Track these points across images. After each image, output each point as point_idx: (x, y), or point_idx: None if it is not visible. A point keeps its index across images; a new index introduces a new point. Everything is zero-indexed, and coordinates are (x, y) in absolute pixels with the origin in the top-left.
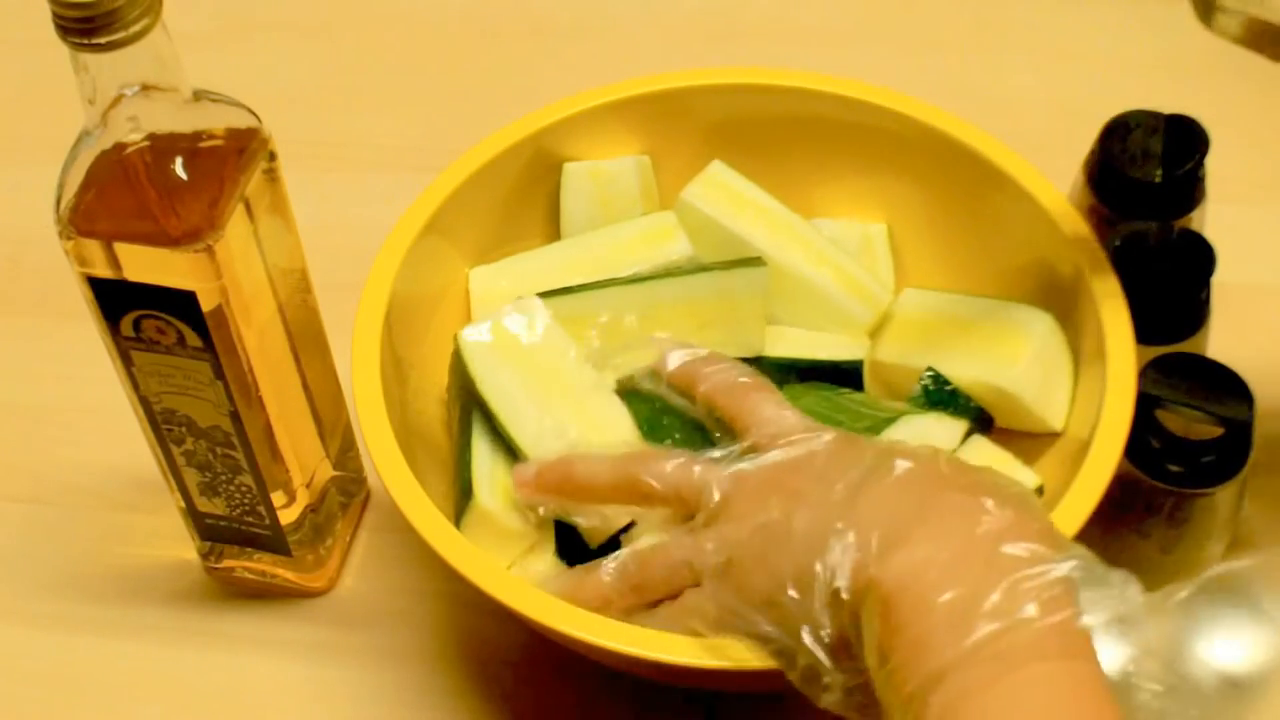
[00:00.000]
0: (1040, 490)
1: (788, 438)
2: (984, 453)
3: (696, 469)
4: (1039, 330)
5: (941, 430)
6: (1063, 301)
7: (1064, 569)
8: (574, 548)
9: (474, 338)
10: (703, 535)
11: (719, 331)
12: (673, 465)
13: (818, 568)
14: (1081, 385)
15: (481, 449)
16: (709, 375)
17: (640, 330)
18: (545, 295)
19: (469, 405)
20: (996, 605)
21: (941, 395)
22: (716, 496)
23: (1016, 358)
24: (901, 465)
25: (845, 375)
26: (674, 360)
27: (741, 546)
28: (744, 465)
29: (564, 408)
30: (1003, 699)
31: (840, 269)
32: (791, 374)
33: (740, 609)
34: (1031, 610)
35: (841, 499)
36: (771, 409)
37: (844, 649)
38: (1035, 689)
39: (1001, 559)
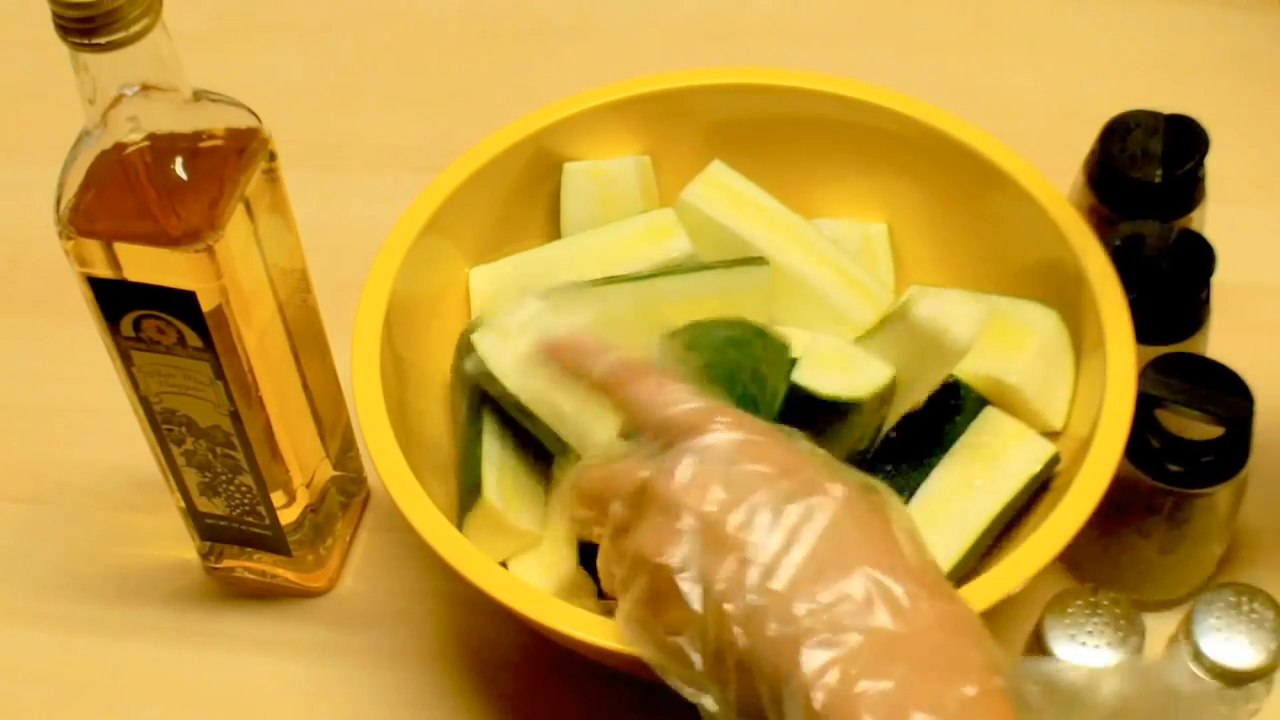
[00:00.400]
0: (1057, 458)
1: (682, 437)
2: (998, 423)
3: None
4: (1044, 326)
5: (964, 307)
6: (1063, 301)
7: (1004, 681)
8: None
9: (491, 347)
10: (609, 539)
11: None
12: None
13: (739, 636)
14: (1082, 384)
15: (491, 447)
16: (591, 365)
17: (640, 328)
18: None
19: (477, 403)
20: (934, 702)
21: None
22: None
23: (1020, 351)
24: (820, 518)
25: None
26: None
27: (636, 566)
28: (644, 474)
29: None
30: None
31: (840, 269)
32: None
33: (641, 632)
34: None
35: (756, 547)
36: (652, 386)
37: (754, 712)
38: None
39: (938, 655)
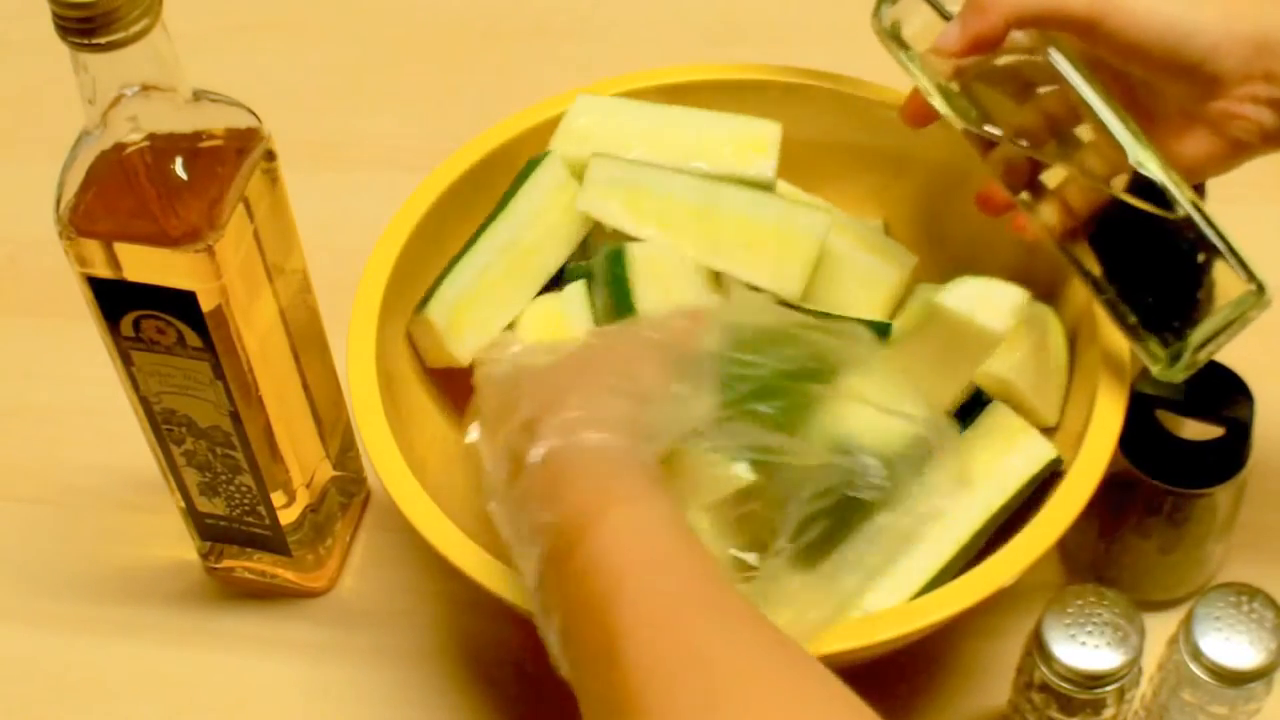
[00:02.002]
0: (1058, 461)
1: None
2: (1003, 420)
3: None
4: (1039, 323)
5: (996, 294)
6: (1058, 299)
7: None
8: None
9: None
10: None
11: (762, 258)
12: None
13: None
14: (1076, 382)
15: (464, 277)
16: None
17: (690, 225)
18: (612, 159)
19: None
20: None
21: None
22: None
23: (1015, 347)
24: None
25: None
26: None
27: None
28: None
29: None
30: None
31: (862, 236)
32: None
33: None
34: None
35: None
36: None
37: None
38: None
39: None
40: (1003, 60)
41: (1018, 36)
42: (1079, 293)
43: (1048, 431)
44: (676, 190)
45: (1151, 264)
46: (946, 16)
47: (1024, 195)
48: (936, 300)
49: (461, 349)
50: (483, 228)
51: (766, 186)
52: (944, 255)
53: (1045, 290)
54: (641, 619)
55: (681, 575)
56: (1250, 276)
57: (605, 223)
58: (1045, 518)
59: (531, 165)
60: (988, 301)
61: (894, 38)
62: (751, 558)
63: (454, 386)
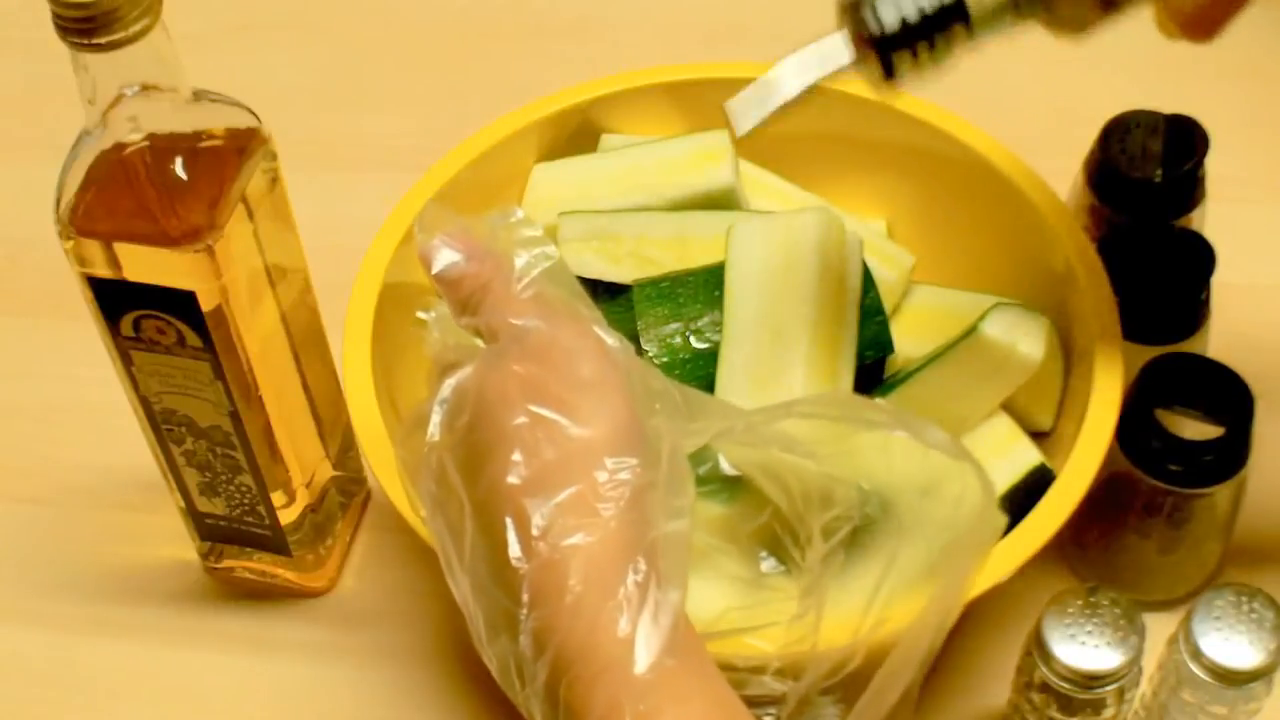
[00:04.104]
0: (1043, 467)
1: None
2: (996, 425)
3: None
4: None
5: (1029, 323)
6: (1055, 301)
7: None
8: None
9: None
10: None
11: None
12: None
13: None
14: (1070, 386)
15: None
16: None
17: (666, 259)
18: (579, 214)
19: None
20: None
21: None
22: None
23: None
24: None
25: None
26: (442, 261)
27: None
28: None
29: None
30: None
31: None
32: None
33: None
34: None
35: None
36: (500, 288)
37: None
38: None
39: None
40: None
41: None
42: (1076, 299)
43: (1042, 435)
44: (645, 228)
45: (1155, 272)
46: None
47: None
48: (978, 329)
49: None
50: None
51: (728, 191)
52: (943, 256)
53: (1044, 294)
54: None
55: None
56: None
57: (585, 276)
58: (1035, 520)
59: None
60: (1025, 329)
61: None
62: (770, 562)
63: None
